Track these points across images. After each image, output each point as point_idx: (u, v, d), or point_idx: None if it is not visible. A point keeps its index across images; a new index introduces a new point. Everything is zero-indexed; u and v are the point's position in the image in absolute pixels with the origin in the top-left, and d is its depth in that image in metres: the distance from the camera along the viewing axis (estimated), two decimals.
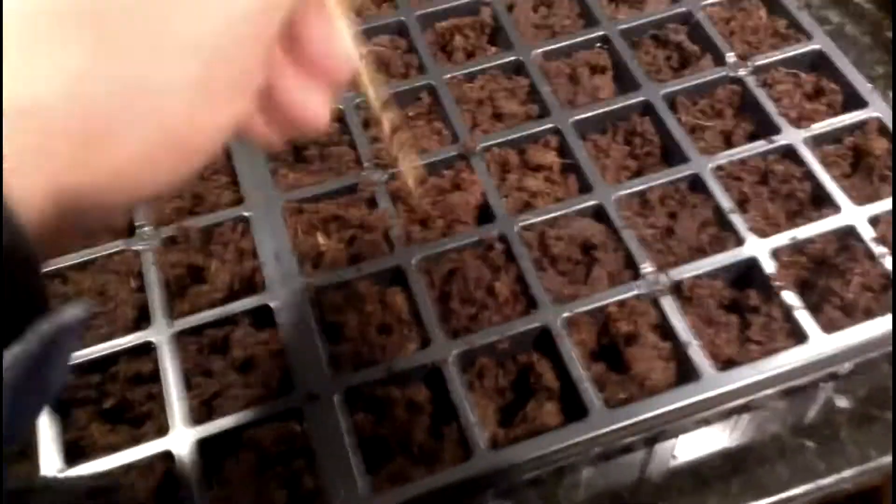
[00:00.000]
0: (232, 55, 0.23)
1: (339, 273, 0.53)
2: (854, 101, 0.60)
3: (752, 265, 0.52)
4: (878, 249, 0.52)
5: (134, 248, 0.55)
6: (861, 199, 0.54)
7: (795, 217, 0.55)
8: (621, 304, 0.51)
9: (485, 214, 0.56)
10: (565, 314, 0.50)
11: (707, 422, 0.52)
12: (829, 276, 0.51)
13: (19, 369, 0.19)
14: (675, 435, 0.52)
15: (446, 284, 0.53)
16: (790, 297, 0.50)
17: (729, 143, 0.59)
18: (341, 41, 0.27)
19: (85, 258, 0.55)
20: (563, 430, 0.46)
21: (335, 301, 0.52)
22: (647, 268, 0.52)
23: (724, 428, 0.53)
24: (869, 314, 0.50)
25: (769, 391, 0.49)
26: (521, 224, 0.54)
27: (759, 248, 0.52)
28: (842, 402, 0.53)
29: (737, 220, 0.54)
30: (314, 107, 0.27)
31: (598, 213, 0.55)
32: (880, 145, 0.57)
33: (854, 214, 0.53)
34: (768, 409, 0.53)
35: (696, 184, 0.56)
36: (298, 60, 0.26)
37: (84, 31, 0.20)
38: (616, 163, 0.59)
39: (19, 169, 0.19)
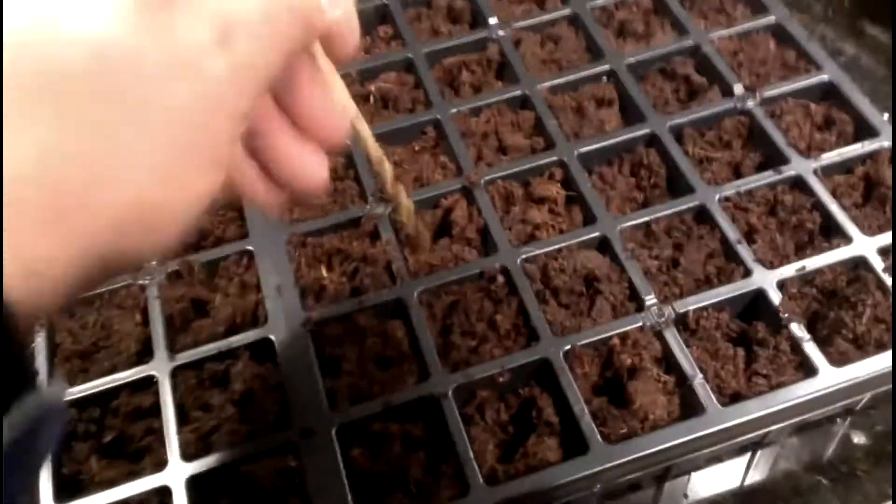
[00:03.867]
0: (201, 128, 0.23)
1: (340, 306, 0.53)
2: (865, 131, 0.59)
3: (759, 297, 0.51)
4: (890, 280, 0.50)
5: (139, 282, 0.56)
6: (872, 229, 0.53)
7: (805, 248, 0.54)
8: (624, 336, 0.50)
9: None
10: (567, 347, 0.49)
11: (719, 459, 0.50)
12: (839, 307, 0.50)
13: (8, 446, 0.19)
14: (686, 472, 0.50)
15: (448, 317, 0.52)
16: (799, 329, 0.49)
17: (737, 174, 0.58)
18: (337, 101, 0.28)
19: (91, 293, 0.55)
20: (562, 466, 0.45)
21: (335, 334, 0.52)
22: (651, 299, 0.51)
23: (737, 465, 0.51)
24: (881, 347, 0.48)
25: (778, 426, 0.47)
26: (523, 256, 0.54)
27: (766, 280, 0.51)
28: (858, 438, 0.51)
29: (744, 251, 0.53)
30: (311, 166, 0.27)
31: (602, 245, 0.55)
32: (892, 175, 0.56)
33: (865, 245, 0.52)
34: (781, 445, 0.51)
35: (703, 215, 0.55)
36: (295, 120, 0.27)
37: (50, 107, 0.20)
38: (621, 194, 0.58)
39: None
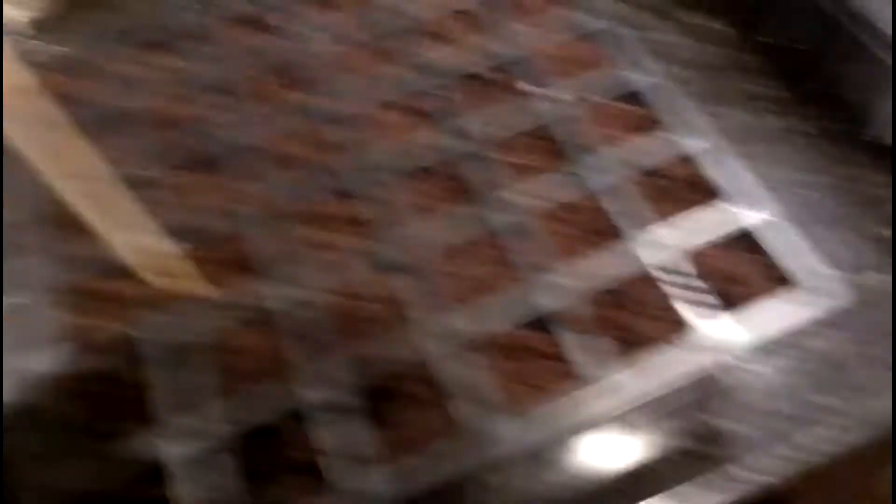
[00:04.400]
0: None
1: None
2: (684, 131, 0.58)
3: (546, 302, 0.49)
4: (684, 280, 0.50)
5: None
6: (664, 227, 0.52)
7: (593, 248, 0.52)
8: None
9: None
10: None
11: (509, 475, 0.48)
12: (626, 309, 0.49)
13: None
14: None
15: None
16: (587, 336, 0.48)
17: (535, 176, 0.56)
18: None
19: None
20: None
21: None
22: (446, 319, 0.49)
23: (527, 480, 0.49)
24: (666, 345, 0.47)
25: (569, 438, 0.46)
26: None
27: (554, 284, 0.50)
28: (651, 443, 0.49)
29: (531, 257, 0.51)
30: None
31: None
32: (685, 172, 0.56)
33: (659, 242, 0.52)
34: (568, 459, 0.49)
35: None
36: None
37: None
38: None
39: None
